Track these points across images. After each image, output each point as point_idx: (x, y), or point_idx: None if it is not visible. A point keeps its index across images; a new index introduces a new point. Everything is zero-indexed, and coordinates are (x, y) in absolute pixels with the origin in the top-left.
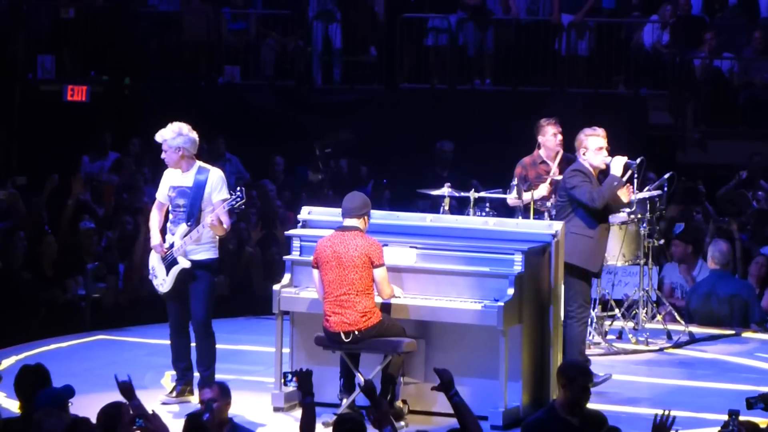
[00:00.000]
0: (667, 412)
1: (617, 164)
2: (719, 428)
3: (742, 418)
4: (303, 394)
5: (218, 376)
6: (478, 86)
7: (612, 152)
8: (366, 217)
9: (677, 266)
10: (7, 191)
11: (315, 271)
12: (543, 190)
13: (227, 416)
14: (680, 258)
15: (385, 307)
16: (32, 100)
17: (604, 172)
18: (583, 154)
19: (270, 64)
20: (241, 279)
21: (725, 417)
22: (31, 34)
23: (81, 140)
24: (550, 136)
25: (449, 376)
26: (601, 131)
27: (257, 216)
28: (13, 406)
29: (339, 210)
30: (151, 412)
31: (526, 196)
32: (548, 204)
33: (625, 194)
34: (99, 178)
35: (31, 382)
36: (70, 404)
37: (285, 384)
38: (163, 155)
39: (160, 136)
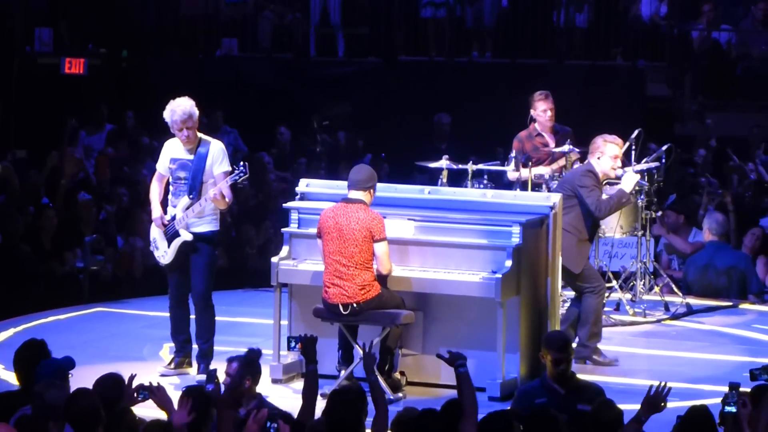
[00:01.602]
0: (663, 384)
1: (630, 181)
2: (721, 399)
3: (744, 389)
4: (306, 361)
5: (217, 349)
6: (476, 59)
7: (610, 124)
8: (371, 191)
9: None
10: (1, 165)
11: (319, 241)
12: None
13: (255, 391)
14: (673, 228)
15: (384, 279)
16: (30, 73)
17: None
18: (598, 158)
19: (267, 37)
20: (237, 251)
21: (723, 388)
22: (28, 6)
23: (79, 113)
24: (540, 111)
25: (460, 354)
26: (619, 140)
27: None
28: (11, 377)
29: (337, 182)
30: (156, 384)
31: (524, 172)
32: (546, 177)
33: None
34: (103, 152)
35: (32, 357)
36: (70, 376)
37: (289, 349)
38: (187, 133)
39: (185, 114)
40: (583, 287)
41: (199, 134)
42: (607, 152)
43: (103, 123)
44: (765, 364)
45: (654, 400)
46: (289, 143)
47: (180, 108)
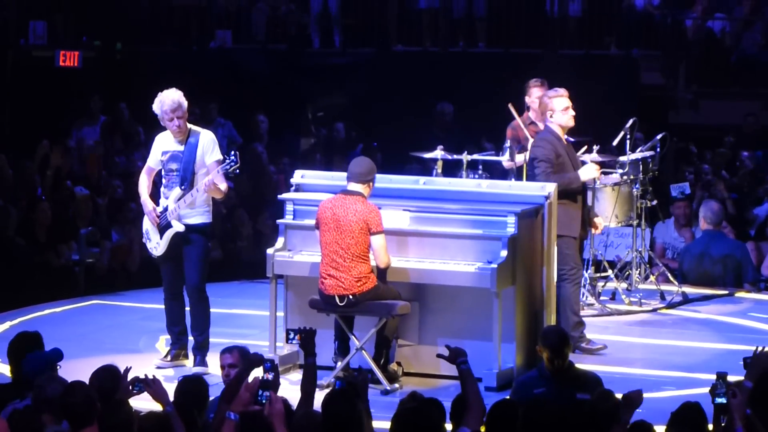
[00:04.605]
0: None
1: (588, 172)
2: (709, 390)
3: (733, 378)
4: (305, 354)
5: (213, 340)
6: (469, 49)
7: (604, 114)
8: (370, 184)
9: (670, 227)
10: None
11: (317, 232)
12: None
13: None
14: (682, 222)
15: (380, 271)
16: (24, 65)
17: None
18: (551, 116)
19: (261, 28)
20: (230, 243)
21: None
22: None
23: (73, 105)
24: (535, 98)
25: (461, 350)
26: (563, 91)
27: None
28: (6, 370)
29: (332, 173)
30: (151, 377)
31: (519, 158)
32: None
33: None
34: (87, 145)
35: (25, 349)
36: (58, 367)
37: (287, 342)
38: (178, 123)
39: (175, 103)
40: (559, 269)
41: (189, 125)
42: (557, 107)
43: (97, 115)
44: None
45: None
46: (267, 133)
47: (169, 98)
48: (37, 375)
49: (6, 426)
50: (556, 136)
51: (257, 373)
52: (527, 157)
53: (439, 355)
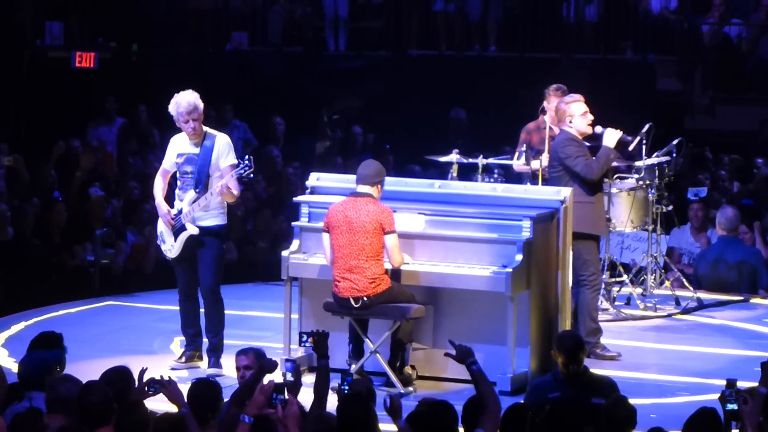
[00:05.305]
0: None
1: (612, 137)
2: (719, 396)
3: (745, 384)
4: (318, 357)
5: (227, 342)
6: (485, 53)
7: (620, 119)
8: (380, 185)
9: (686, 232)
10: (12, 156)
11: (325, 235)
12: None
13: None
14: (696, 225)
15: (394, 273)
16: (40, 66)
17: (592, 138)
18: (570, 122)
19: (278, 31)
20: (249, 244)
21: None
22: (39, 0)
23: (89, 106)
24: (553, 106)
25: (467, 349)
26: (579, 96)
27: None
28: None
29: (347, 176)
30: (167, 378)
31: (534, 163)
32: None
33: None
34: (104, 147)
35: (39, 349)
36: (57, 370)
37: (300, 345)
38: (194, 125)
39: (191, 105)
40: (579, 275)
41: (205, 128)
42: (575, 112)
43: (113, 117)
44: None
45: None
46: (284, 136)
47: (185, 100)
48: (31, 376)
49: (4, 425)
50: (579, 141)
51: (271, 376)
52: (543, 162)
53: (446, 354)
